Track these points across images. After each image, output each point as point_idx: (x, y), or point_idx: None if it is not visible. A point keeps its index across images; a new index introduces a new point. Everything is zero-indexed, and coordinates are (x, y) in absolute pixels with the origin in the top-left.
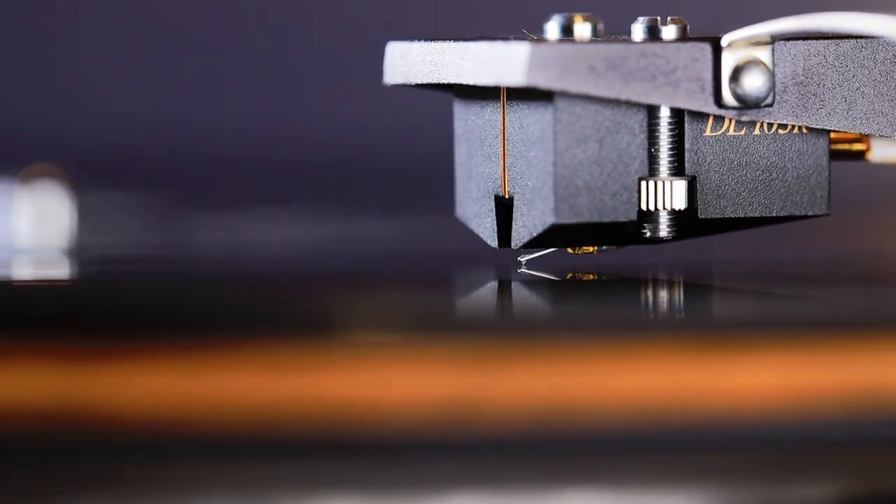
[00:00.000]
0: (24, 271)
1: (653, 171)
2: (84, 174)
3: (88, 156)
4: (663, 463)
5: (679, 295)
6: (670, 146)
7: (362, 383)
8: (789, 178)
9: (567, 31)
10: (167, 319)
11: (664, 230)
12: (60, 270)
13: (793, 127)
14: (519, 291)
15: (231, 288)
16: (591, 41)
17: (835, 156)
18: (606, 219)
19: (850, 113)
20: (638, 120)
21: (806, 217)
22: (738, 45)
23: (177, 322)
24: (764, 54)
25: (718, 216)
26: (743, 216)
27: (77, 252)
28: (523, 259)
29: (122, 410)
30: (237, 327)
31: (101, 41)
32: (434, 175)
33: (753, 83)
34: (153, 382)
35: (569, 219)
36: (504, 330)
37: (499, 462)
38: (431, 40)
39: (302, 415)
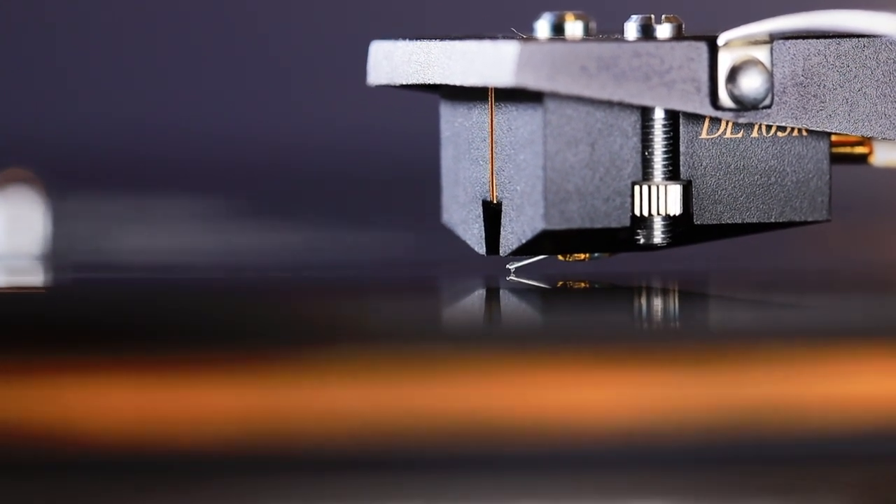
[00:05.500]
0: None
1: (646, 176)
2: (59, 179)
3: (63, 160)
4: (658, 474)
5: (674, 304)
6: (665, 149)
7: (350, 395)
8: (788, 183)
9: (558, 29)
10: (144, 329)
11: (658, 237)
12: (34, 278)
13: (792, 129)
14: (508, 300)
15: (213, 297)
16: (582, 40)
17: (836, 159)
18: (598, 225)
19: (852, 115)
20: (631, 122)
21: (806, 223)
22: (736, 44)
23: (155, 332)
24: (762, 54)
25: (715, 222)
26: (740, 222)
27: (52, 259)
28: (512, 266)
29: (97, 424)
30: (219, 338)
31: (78, 43)
32: (419, 179)
33: (751, 84)
34: (130, 394)
35: (559, 225)
36: (492, 340)
37: (489, 477)
38: (417, 39)
39: (291, 426)
